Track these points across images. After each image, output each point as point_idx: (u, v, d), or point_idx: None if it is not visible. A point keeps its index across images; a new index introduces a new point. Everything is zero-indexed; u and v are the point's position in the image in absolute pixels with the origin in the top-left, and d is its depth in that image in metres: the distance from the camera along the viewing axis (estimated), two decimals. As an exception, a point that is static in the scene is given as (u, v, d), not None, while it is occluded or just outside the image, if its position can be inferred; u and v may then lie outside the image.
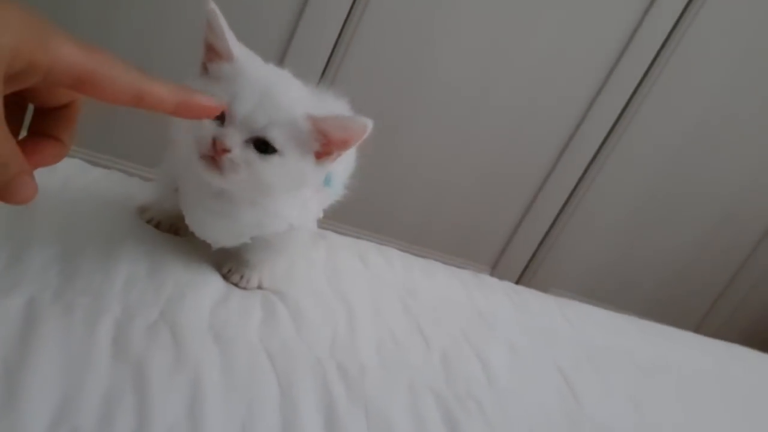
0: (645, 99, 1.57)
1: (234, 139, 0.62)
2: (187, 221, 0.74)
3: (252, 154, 0.63)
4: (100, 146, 1.37)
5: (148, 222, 0.79)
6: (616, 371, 0.97)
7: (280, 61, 1.40)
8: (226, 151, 0.62)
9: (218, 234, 0.74)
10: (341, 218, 1.02)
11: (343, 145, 0.65)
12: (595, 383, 0.91)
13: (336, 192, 0.84)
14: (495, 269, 1.72)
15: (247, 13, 1.36)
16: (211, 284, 0.74)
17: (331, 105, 0.87)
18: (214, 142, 0.62)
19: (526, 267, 1.78)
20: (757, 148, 1.69)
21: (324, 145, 0.65)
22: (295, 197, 0.72)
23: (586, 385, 0.89)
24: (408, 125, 1.55)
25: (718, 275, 1.86)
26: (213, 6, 0.64)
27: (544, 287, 1.69)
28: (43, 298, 0.62)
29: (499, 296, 1.02)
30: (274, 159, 0.63)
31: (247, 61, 0.66)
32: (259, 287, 0.77)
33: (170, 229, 0.79)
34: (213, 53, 0.66)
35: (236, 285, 0.76)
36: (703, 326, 1.85)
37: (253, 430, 0.58)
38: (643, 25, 1.49)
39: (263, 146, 0.63)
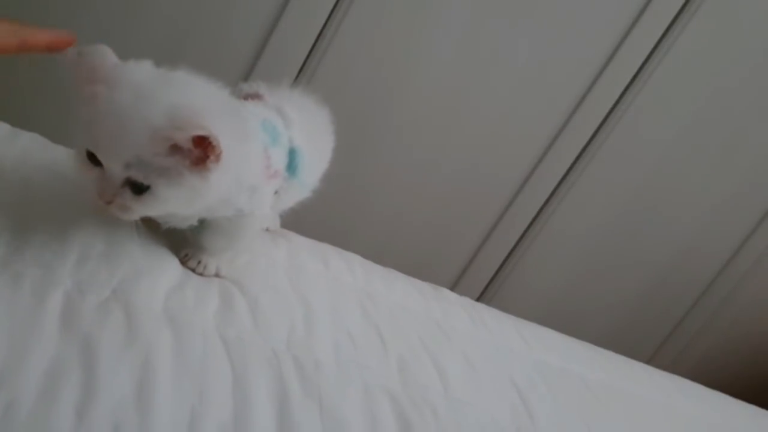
0: (610, 132, 1.60)
1: (109, 192, 0.62)
2: None
3: (129, 196, 0.62)
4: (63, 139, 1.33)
5: (108, 202, 0.76)
6: (569, 393, 0.96)
7: (254, 61, 1.39)
8: (108, 203, 0.63)
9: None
10: (299, 232, 1.02)
11: (201, 143, 0.59)
12: (548, 402, 0.90)
13: (306, 186, 0.83)
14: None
15: (225, 11, 1.35)
16: (168, 268, 0.72)
17: (307, 109, 0.86)
18: (99, 192, 0.63)
19: (482, 293, 1.79)
20: (711, 193, 1.73)
21: (189, 151, 0.60)
22: (240, 184, 0.70)
23: (539, 403, 0.88)
24: (372, 144, 1.54)
25: (669, 314, 1.89)
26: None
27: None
28: (-11, 266, 0.59)
29: (458, 310, 1.02)
30: (146, 197, 0.62)
31: (109, 87, 0.61)
32: (217, 275, 0.75)
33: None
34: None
35: (193, 270, 0.74)
36: (653, 362, 1.86)
37: (202, 415, 0.56)
38: (613, 60, 1.53)
39: (137, 184, 0.62)
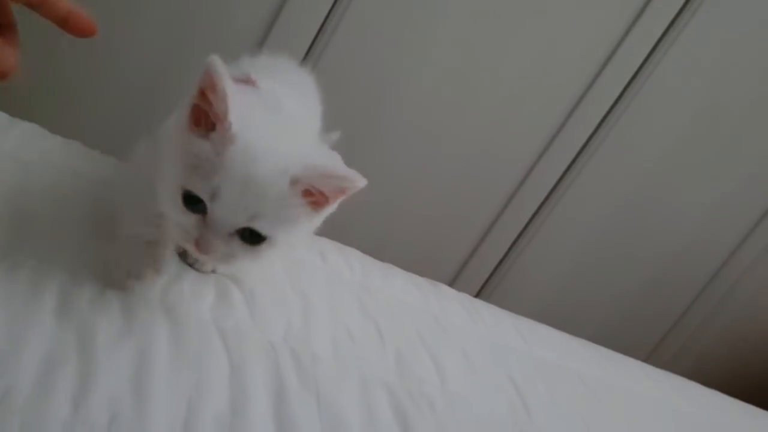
0: (610, 130, 1.60)
1: (215, 244, 0.56)
2: None
3: (238, 246, 0.57)
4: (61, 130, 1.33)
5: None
6: (566, 389, 0.96)
7: (257, 52, 1.39)
8: (209, 254, 0.57)
9: None
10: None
11: (341, 194, 0.59)
12: (546, 398, 0.90)
13: None
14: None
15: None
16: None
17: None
18: (197, 242, 0.57)
19: (481, 289, 1.78)
20: (711, 192, 1.73)
21: (319, 196, 0.58)
22: None
23: (536, 399, 0.88)
24: (371, 139, 1.54)
25: (667, 312, 1.89)
26: (215, 59, 0.53)
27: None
28: (-14, 255, 0.59)
29: (455, 306, 1.02)
30: (263, 247, 0.57)
31: (241, 132, 0.54)
32: (214, 271, 0.75)
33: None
34: (202, 118, 0.55)
35: (191, 266, 0.73)
36: (650, 359, 1.87)
37: (199, 405, 0.56)
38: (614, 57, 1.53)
39: (251, 234, 0.56)
